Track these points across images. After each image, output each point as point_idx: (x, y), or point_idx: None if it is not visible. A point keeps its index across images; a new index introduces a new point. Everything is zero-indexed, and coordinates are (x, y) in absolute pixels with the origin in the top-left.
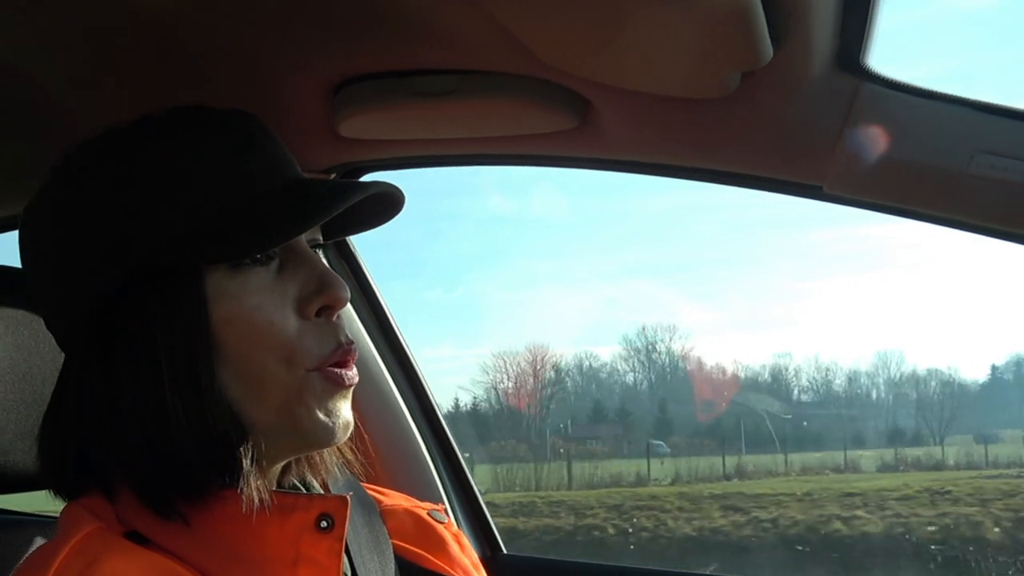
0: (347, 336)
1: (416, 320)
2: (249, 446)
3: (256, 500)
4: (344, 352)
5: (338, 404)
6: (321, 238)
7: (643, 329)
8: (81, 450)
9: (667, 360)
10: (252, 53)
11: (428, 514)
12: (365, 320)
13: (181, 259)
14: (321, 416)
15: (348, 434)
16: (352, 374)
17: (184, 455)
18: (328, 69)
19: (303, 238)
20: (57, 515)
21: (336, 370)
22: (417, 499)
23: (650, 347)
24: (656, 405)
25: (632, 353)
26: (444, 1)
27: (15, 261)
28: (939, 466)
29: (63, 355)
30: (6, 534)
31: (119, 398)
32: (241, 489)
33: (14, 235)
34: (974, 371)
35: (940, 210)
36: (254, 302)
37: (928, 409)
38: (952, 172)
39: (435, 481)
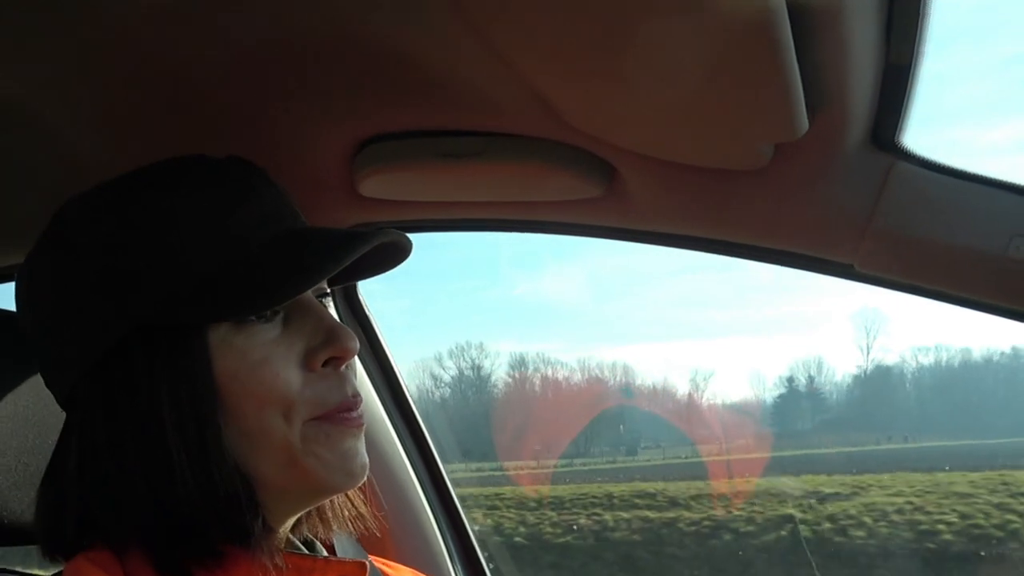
0: (354, 389)
1: None
2: (258, 505)
3: (269, 564)
4: (347, 405)
5: (350, 444)
6: (327, 287)
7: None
8: (83, 509)
9: None
10: (273, 108)
11: None
12: (372, 376)
13: (181, 318)
14: (334, 460)
15: (366, 475)
16: (358, 414)
17: (193, 515)
18: (351, 126)
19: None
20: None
21: (341, 414)
22: (424, 574)
23: None
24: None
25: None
26: (473, 63)
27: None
28: None
29: None
30: None
31: (124, 456)
32: (253, 551)
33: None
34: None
35: (979, 294)
36: (259, 356)
37: None
38: (990, 256)
39: (443, 553)
